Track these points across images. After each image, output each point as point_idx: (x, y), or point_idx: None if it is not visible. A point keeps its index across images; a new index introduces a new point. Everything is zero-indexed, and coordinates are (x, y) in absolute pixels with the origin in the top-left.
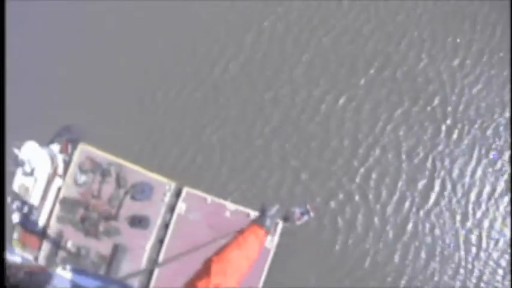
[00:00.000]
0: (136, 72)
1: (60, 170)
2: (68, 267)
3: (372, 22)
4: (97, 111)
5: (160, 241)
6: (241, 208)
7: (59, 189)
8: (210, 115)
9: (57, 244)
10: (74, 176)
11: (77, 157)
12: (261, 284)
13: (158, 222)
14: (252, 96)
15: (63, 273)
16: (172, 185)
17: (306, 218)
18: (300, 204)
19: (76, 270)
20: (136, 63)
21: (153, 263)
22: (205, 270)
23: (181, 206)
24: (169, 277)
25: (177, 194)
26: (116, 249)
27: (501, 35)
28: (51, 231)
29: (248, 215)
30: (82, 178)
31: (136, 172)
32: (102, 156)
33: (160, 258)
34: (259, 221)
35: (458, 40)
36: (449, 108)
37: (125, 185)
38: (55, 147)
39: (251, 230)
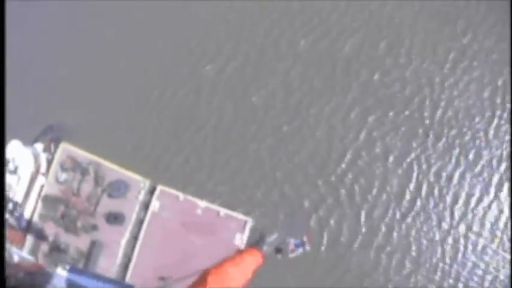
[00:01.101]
0: (121, 73)
1: (43, 169)
2: (68, 267)
3: (352, 25)
4: (80, 111)
5: (135, 237)
6: (212, 206)
7: (42, 187)
8: (193, 116)
9: (40, 240)
10: (55, 174)
11: (58, 156)
12: None
13: (133, 219)
14: (239, 99)
15: (63, 273)
16: (147, 183)
17: (300, 250)
18: (295, 234)
19: (76, 270)
20: (124, 64)
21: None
22: (201, 281)
23: (155, 204)
24: (144, 273)
25: (151, 192)
26: (93, 245)
27: (482, 38)
28: (34, 227)
29: (218, 213)
30: (63, 176)
31: (113, 170)
32: (82, 155)
33: (135, 254)
34: (257, 246)
35: (437, 44)
36: (427, 112)
37: (102, 183)
38: (39, 146)
39: (250, 252)
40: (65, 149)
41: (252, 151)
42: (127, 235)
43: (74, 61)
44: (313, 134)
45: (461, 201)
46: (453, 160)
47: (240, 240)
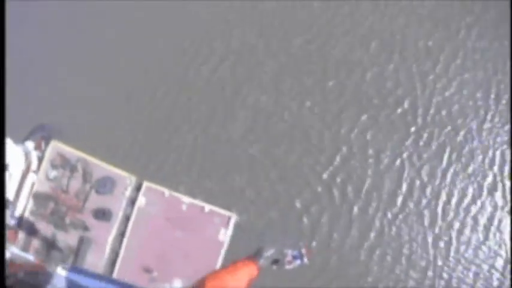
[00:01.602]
0: (112, 72)
1: (34, 166)
2: (68, 267)
3: (343, 24)
4: (71, 110)
5: (121, 233)
6: (196, 202)
7: (33, 184)
8: (184, 115)
9: (31, 237)
10: (46, 171)
11: (49, 153)
12: None
13: (120, 215)
14: (231, 99)
15: (63, 273)
16: (133, 179)
17: (298, 262)
18: (294, 245)
19: (76, 270)
20: (115, 63)
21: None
22: (198, 286)
23: (141, 200)
24: (131, 268)
25: (138, 188)
26: (82, 241)
27: (476, 38)
28: (26, 224)
29: (203, 208)
30: (53, 173)
31: (100, 167)
32: (71, 152)
33: (122, 249)
34: (254, 259)
35: (430, 43)
36: (420, 111)
37: (90, 179)
38: (30, 145)
39: (245, 262)
40: (55, 146)
41: (242, 150)
42: (114, 231)
43: (66, 61)
44: (306, 134)
45: (454, 201)
46: (446, 160)
47: (224, 235)
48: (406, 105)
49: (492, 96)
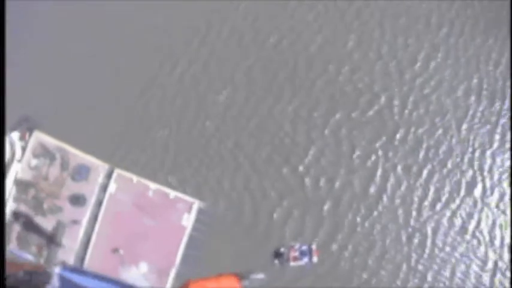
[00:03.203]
0: (94, 71)
1: (18, 156)
2: (68, 267)
3: (320, 21)
4: (53, 102)
5: (94, 217)
6: (162, 188)
7: (17, 172)
8: (159, 112)
9: (13, 222)
10: (28, 160)
11: (31, 143)
12: (178, 259)
13: (93, 200)
14: (203, 96)
15: (63, 273)
16: (106, 167)
17: (305, 260)
18: (304, 241)
19: (76, 270)
20: (97, 62)
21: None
22: None
23: (112, 186)
24: (102, 250)
25: (109, 175)
26: (59, 225)
27: (457, 36)
28: (9, 210)
29: (168, 194)
30: (34, 162)
31: (76, 155)
32: (51, 142)
33: (95, 232)
34: (239, 276)
35: (409, 40)
36: (396, 109)
37: (67, 167)
38: (15, 135)
39: (229, 278)
40: (37, 137)
41: (216, 145)
42: (87, 215)
43: (47, 58)
44: (280, 129)
45: (429, 199)
46: (422, 157)
47: (187, 220)
48: (382, 101)
49: (473, 96)
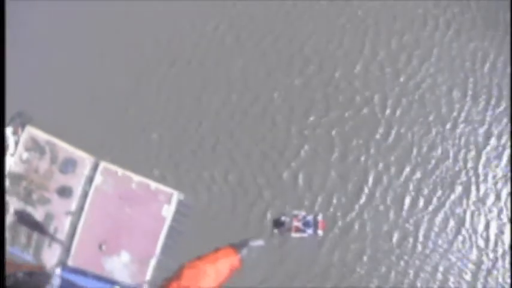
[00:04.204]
0: (81, 68)
1: (11, 150)
2: (68, 267)
3: (313, 21)
4: (46, 98)
5: (80, 208)
6: (144, 180)
7: (10, 166)
8: (146, 110)
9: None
10: (20, 154)
11: (23, 138)
12: (158, 249)
13: (79, 192)
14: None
15: (63, 273)
16: (92, 160)
17: (309, 232)
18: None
19: (76, 270)
20: (84, 60)
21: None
22: (177, 273)
23: (98, 178)
24: (87, 243)
25: (95, 167)
26: (47, 216)
27: (450, 39)
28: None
29: (149, 186)
30: (25, 155)
31: (65, 149)
32: (41, 136)
33: (80, 224)
34: (237, 247)
35: (403, 40)
36: (388, 110)
37: (56, 160)
38: (8, 130)
39: (226, 251)
40: (29, 131)
41: (208, 142)
42: (74, 207)
43: (37, 55)
44: (271, 128)
45: (422, 200)
46: (413, 158)
47: (167, 211)
48: (375, 102)
49: (468, 97)
